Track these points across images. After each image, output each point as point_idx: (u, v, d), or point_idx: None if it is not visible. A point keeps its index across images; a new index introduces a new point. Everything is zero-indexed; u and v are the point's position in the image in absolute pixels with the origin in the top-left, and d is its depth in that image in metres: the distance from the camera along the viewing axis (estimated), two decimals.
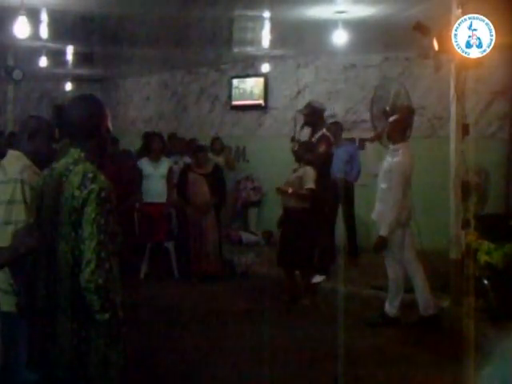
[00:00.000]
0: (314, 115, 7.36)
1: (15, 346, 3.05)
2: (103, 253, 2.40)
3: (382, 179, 5.82)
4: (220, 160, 9.51)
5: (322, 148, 7.14)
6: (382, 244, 5.70)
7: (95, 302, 2.38)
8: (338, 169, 8.09)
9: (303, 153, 6.83)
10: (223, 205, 8.49)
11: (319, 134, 7.23)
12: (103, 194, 2.44)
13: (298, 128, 7.53)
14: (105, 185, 2.48)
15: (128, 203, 7.56)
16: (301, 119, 7.57)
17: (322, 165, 7.14)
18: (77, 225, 2.43)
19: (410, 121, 6.19)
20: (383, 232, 5.67)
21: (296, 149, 7.00)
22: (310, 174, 6.68)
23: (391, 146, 5.87)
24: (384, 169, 5.83)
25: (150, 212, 7.75)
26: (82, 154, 2.58)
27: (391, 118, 5.94)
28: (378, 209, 5.85)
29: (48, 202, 2.56)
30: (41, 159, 3.30)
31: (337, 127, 8.49)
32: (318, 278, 7.32)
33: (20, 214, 3.07)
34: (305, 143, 7.07)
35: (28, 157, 3.29)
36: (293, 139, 7.48)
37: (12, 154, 3.33)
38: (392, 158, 5.78)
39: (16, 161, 3.27)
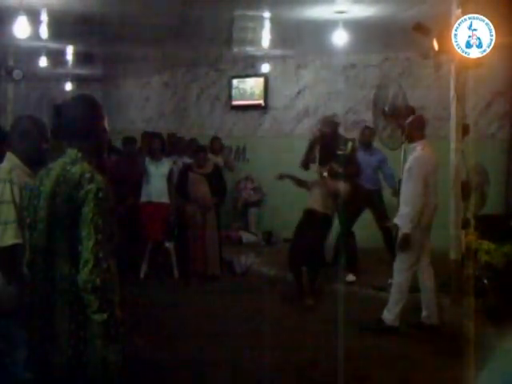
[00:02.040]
0: (335, 131, 7.37)
1: (11, 347, 3.04)
2: (101, 253, 2.39)
3: (404, 181, 5.69)
4: (219, 160, 9.49)
5: (356, 158, 7.27)
6: (406, 241, 5.50)
7: (93, 302, 2.38)
8: (368, 178, 7.83)
9: (343, 167, 6.91)
10: (223, 204, 8.49)
11: (350, 144, 7.24)
12: (101, 194, 2.44)
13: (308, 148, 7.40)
14: (102, 185, 2.48)
15: (128, 202, 7.58)
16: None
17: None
18: (74, 225, 2.43)
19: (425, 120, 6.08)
20: (405, 229, 5.48)
21: (337, 169, 6.91)
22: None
23: (410, 145, 5.78)
24: (405, 169, 5.71)
25: (151, 211, 7.74)
26: (80, 154, 2.58)
27: (409, 119, 5.85)
28: (401, 212, 5.66)
29: (45, 202, 2.55)
30: (32, 159, 3.28)
31: (370, 132, 7.93)
32: (350, 278, 7.50)
33: (9, 215, 3.05)
34: (342, 157, 7.08)
35: (19, 157, 3.26)
36: (306, 165, 7.29)
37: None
38: (411, 156, 5.69)
39: (6, 161, 3.25)
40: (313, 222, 6.85)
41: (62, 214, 2.46)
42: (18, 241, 2.93)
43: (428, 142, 5.82)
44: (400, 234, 5.60)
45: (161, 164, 7.92)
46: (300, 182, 7.25)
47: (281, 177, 7.33)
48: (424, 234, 5.68)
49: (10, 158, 3.25)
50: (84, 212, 2.42)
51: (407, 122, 5.83)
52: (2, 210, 3.06)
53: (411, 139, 5.78)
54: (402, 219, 5.60)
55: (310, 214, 6.93)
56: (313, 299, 6.73)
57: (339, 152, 7.15)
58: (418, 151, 5.65)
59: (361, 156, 7.91)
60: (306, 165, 7.26)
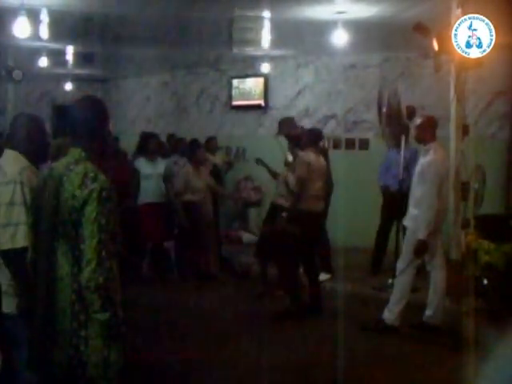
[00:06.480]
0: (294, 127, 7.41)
1: (16, 347, 3.04)
2: (104, 252, 2.40)
3: (416, 183, 5.63)
4: (217, 159, 9.47)
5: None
6: (423, 248, 5.49)
7: (95, 301, 2.39)
8: (391, 178, 7.34)
9: None
10: (223, 204, 8.51)
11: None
12: (104, 194, 2.46)
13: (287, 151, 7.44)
14: (106, 184, 2.49)
15: (125, 204, 7.56)
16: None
17: None
18: (77, 224, 2.44)
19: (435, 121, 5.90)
20: (422, 235, 5.45)
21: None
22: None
23: (422, 148, 5.72)
24: (417, 172, 5.66)
25: (148, 212, 7.72)
26: (83, 154, 2.59)
27: (418, 121, 5.77)
28: (412, 214, 5.63)
29: (48, 201, 2.56)
30: (37, 158, 3.28)
31: (406, 130, 6.83)
32: (323, 277, 7.37)
33: (20, 216, 3.03)
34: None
35: (26, 157, 3.25)
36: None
37: (10, 154, 3.26)
38: (424, 159, 5.63)
39: (15, 161, 3.21)
40: (277, 217, 6.80)
41: (66, 213, 2.47)
42: (29, 243, 2.92)
43: (440, 144, 5.74)
44: (414, 239, 5.55)
45: (157, 164, 7.92)
46: (272, 173, 7.44)
47: (257, 161, 7.59)
48: (435, 237, 5.63)
49: (19, 159, 3.21)
50: (87, 211, 2.42)
51: (418, 124, 5.74)
52: (13, 212, 3.04)
53: (422, 141, 5.69)
54: (415, 223, 5.58)
55: (274, 209, 6.96)
56: (282, 290, 6.77)
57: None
58: (430, 154, 5.58)
59: (389, 153, 7.48)
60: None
